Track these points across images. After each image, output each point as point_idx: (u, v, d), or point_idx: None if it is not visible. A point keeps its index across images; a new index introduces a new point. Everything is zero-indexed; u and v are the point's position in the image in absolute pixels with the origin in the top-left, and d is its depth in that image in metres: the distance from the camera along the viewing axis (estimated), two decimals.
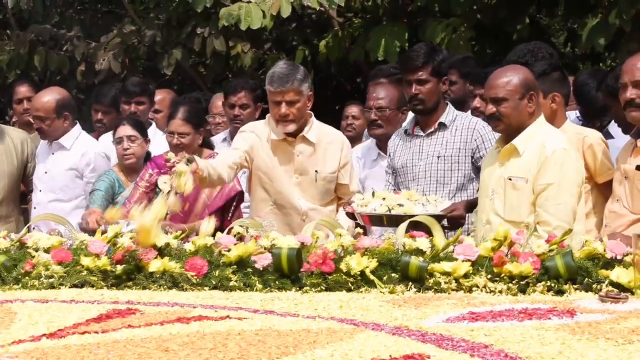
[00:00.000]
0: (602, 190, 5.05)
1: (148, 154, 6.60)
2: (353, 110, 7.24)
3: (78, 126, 7.01)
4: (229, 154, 5.55)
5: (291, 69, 5.65)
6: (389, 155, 5.84)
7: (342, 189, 5.76)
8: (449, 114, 5.58)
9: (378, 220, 5.16)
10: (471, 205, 5.28)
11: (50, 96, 6.91)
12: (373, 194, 5.22)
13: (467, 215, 5.28)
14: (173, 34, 9.65)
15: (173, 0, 8.83)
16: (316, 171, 5.66)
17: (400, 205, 5.03)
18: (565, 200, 4.73)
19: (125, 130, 6.48)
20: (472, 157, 5.47)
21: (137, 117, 7.03)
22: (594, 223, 5.04)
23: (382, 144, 6.19)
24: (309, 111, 5.77)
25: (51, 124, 6.80)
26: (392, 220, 5.00)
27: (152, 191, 6.16)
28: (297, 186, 5.67)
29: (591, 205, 5.01)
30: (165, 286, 4.22)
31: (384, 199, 5.12)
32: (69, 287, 4.28)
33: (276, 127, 5.63)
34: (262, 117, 6.22)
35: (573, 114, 5.95)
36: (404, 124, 5.94)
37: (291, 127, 5.61)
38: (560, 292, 3.94)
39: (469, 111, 6.08)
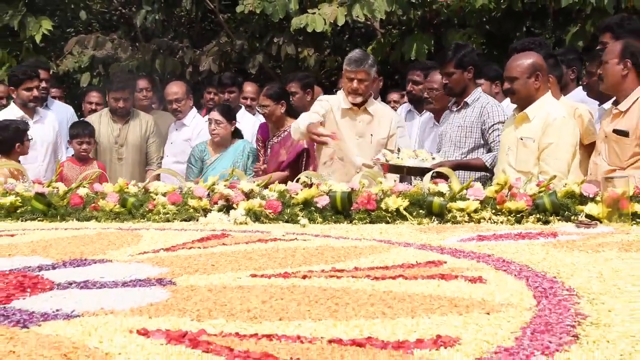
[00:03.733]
0: (587, 150, 4.99)
1: (237, 130, 6.65)
2: (394, 96, 7.32)
3: (194, 109, 7.19)
4: (309, 116, 5.47)
5: (364, 56, 5.64)
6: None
7: None
8: (473, 95, 5.50)
9: (395, 169, 5.21)
10: (458, 165, 5.18)
11: (178, 87, 7.20)
12: (399, 150, 5.25)
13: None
14: (256, 43, 9.69)
15: (254, 16, 8.84)
16: (371, 135, 5.65)
17: (397, 155, 5.15)
18: (562, 156, 4.71)
19: (214, 115, 6.51)
20: (482, 128, 5.42)
21: (229, 103, 7.08)
22: (581, 173, 4.98)
23: (436, 116, 6.15)
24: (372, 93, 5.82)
25: (183, 105, 7.04)
26: (393, 168, 5.16)
27: (263, 148, 6.40)
28: (356, 146, 5.64)
29: (580, 159, 4.93)
30: (249, 220, 4.25)
31: (398, 153, 5.19)
32: (180, 221, 4.33)
33: (347, 98, 5.61)
34: (312, 99, 6.30)
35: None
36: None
37: (358, 99, 5.60)
38: (546, 222, 3.92)
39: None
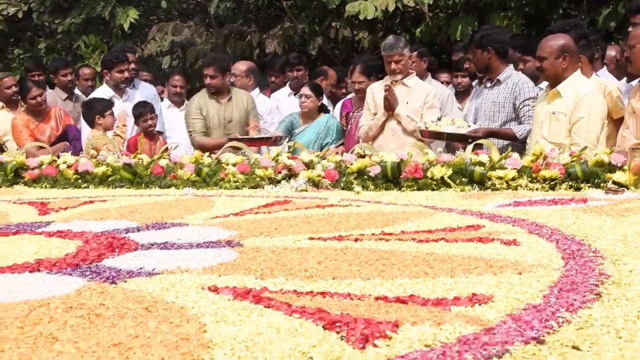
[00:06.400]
0: (616, 124, 4.87)
1: (323, 105, 6.65)
2: (444, 76, 7.18)
3: (257, 89, 7.13)
4: (367, 121, 5.80)
5: (397, 40, 5.73)
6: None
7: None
8: (505, 72, 5.42)
9: (435, 134, 5.21)
10: (490, 133, 5.15)
11: (243, 65, 7.13)
12: (439, 118, 5.23)
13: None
14: (316, 27, 9.65)
15: (314, 3, 8.79)
16: (407, 102, 5.66)
17: (437, 123, 5.17)
18: (592, 129, 4.61)
19: (305, 90, 6.53)
20: (514, 103, 5.34)
21: (297, 81, 7.07)
22: (610, 145, 4.88)
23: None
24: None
25: (240, 81, 6.92)
26: (433, 134, 5.18)
27: (345, 119, 6.54)
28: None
29: (609, 132, 4.82)
30: (309, 188, 4.29)
31: (438, 121, 5.20)
32: (248, 188, 4.38)
33: (389, 76, 5.75)
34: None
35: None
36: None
37: (398, 77, 5.72)
38: (578, 189, 3.86)
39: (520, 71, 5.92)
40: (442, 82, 6.96)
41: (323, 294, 1.84)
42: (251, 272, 2.10)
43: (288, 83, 7.24)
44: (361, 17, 7.92)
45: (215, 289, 1.88)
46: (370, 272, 2.07)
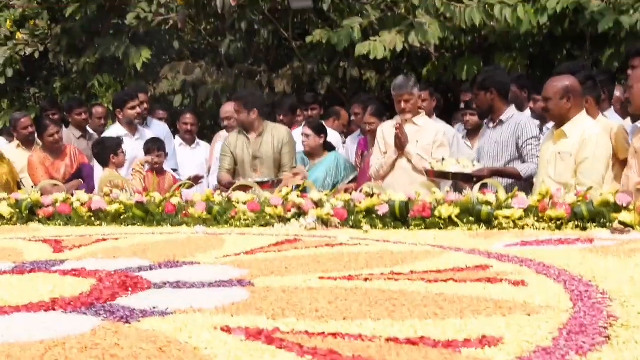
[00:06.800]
0: (623, 164, 4.86)
1: (328, 143, 6.68)
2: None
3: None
4: (378, 159, 5.83)
5: (406, 80, 5.80)
6: None
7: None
8: (508, 113, 5.43)
9: (440, 174, 5.21)
10: (495, 172, 5.15)
11: (231, 106, 6.86)
12: (442, 159, 5.26)
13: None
14: (324, 67, 9.73)
15: (323, 45, 8.86)
16: (417, 141, 5.68)
17: (442, 163, 5.20)
18: (597, 169, 4.62)
19: (305, 129, 6.60)
20: (517, 143, 5.34)
21: (312, 119, 7.10)
22: (618, 186, 4.86)
23: None
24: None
25: (233, 122, 6.75)
26: (438, 174, 5.18)
27: (361, 158, 6.66)
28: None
29: (615, 173, 4.81)
30: (318, 226, 4.28)
31: (443, 161, 5.24)
32: (258, 226, 4.39)
33: (399, 115, 5.80)
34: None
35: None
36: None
37: (408, 116, 5.75)
38: (584, 229, 3.85)
39: (526, 110, 5.94)
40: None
41: (334, 334, 1.84)
42: (263, 312, 2.10)
43: (304, 122, 7.25)
44: (371, 57, 7.98)
45: (227, 330, 1.88)
46: (380, 312, 2.07)
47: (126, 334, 1.85)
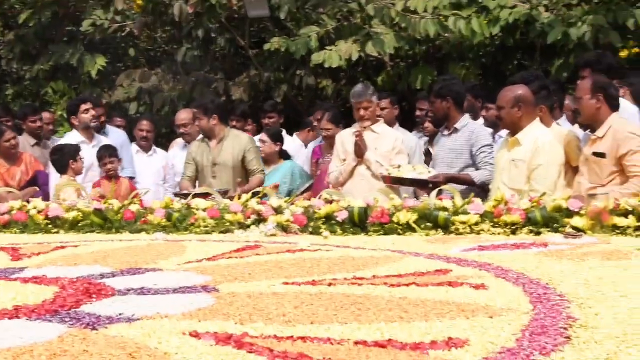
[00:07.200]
0: (574, 171, 4.95)
1: (284, 151, 6.70)
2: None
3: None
4: (337, 167, 5.83)
5: (365, 88, 5.87)
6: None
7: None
8: (462, 121, 5.51)
9: (396, 180, 5.27)
10: (450, 178, 5.20)
11: (186, 113, 7.02)
12: (398, 166, 5.31)
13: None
14: (281, 75, 9.73)
15: (280, 53, 8.87)
16: (376, 148, 5.71)
17: (398, 169, 5.27)
18: (550, 176, 4.70)
19: (262, 135, 6.64)
20: (471, 151, 5.43)
21: (270, 127, 7.09)
22: (570, 192, 4.96)
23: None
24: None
25: (190, 129, 6.80)
26: (394, 180, 5.25)
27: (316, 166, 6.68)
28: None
29: (568, 179, 4.90)
30: (278, 232, 4.27)
31: (399, 167, 5.30)
32: (218, 233, 4.36)
33: (358, 122, 5.83)
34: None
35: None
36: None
37: (366, 123, 5.77)
38: (538, 233, 3.92)
39: (480, 119, 6.03)
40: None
41: (303, 338, 1.84)
42: (230, 317, 2.09)
43: (263, 130, 7.23)
44: (326, 66, 8.02)
45: (196, 335, 1.87)
46: (346, 316, 2.09)
47: (94, 340, 1.82)
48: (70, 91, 9.91)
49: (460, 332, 1.88)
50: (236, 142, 6.21)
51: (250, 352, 1.72)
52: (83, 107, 6.67)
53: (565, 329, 1.92)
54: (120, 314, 2.12)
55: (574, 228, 3.85)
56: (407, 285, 2.54)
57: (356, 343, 1.80)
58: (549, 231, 3.93)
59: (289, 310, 2.16)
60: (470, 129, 5.46)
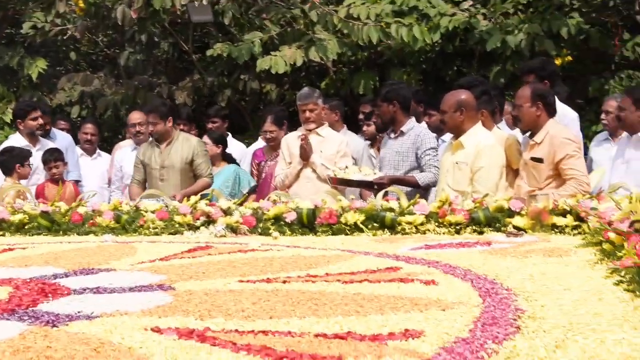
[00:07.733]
0: (515, 173, 5.06)
1: (228, 155, 6.71)
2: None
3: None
4: (283, 170, 5.85)
5: (311, 91, 5.95)
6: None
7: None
8: (408, 125, 5.60)
9: (342, 182, 5.37)
10: (395, 180, 5.29)
11: (140, 114, 6.92)
12: (346, 167, 5.39)
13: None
14: (225, 80, 9.71)
15: (222, 58, 8.86)
16: (321, 151, 5.77)
17: (345, 171, 5.37)
18: (491, 178, 4.82)
19: (204, 138, 6.62)
20: (416, 154, 5.52)
21: (213, 132, 7.05)
22: (511, 193, 5.07)
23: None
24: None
25: (144, 129, 6.70)
26: (340, 181, 5.35)
27: (258, 169, 6.66)
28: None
29: (509, 181, 5.02)
30: (227, 233, 4.28)
31: (346, 169, 5.39)
32: (167, 234, 4.34)
33: (303, 124, 5.87)
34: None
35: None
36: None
37: (312, 126, 5.83)
38: (481, 233, 4.03)
39: (422, 123, 6.13)
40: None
41: (265, 332, 1.87)
42: (189, 313, 2.10)
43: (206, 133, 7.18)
44: (272, 72, 8.05)
45: (158, 330, 1.88)
46: (304, 311, 2.12)
47: (56, 337, 1.81)
48: (9, 94, 9.69)
49: (416, 324, 1.93)
50: (186, 145, 6.15)
51: (214, 345, 1.73)
52: (33, 114, 6.54)
53: (514, 320, 1.99)
54: (79, 312, 2.11)
55: (516, 227, 3.97)
56: (359, 282, 2.58)
57: (316, 335, 1.83)
58: (491, 231, 4.03)
59: (247, 307, 2.18)
60: (416, 132, 5.56)
